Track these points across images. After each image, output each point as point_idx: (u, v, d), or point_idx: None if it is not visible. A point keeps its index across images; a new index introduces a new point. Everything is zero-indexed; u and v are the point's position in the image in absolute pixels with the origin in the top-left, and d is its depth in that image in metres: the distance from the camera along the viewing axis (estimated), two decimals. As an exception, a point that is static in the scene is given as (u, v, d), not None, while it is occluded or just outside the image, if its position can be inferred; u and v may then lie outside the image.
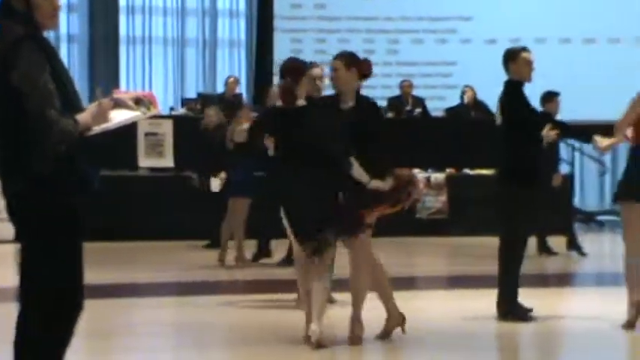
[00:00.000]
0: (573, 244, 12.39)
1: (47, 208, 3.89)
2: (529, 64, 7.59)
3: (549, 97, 11.28)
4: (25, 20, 3.90)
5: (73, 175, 3.90)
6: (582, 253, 12.29)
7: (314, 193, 6.43)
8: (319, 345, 6.48)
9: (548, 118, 8.67)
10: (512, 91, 7.57)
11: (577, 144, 15.12)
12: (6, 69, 3.80)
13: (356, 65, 6.78)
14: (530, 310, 7.56)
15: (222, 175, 11.33)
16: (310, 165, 6.45)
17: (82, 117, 3.89)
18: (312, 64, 7.52)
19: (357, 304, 6.78)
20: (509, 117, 7.52)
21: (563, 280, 10.77)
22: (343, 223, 6.55)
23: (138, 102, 4.19)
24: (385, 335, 6.92)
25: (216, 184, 11.77)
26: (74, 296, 3.97)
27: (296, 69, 6.79)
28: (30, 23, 3.92)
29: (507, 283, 7.48)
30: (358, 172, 6.52)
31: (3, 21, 3.90)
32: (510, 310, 7.45)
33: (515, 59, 7.60)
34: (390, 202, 6.76)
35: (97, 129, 3.96)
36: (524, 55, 7.62)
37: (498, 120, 7.64)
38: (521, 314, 7.46)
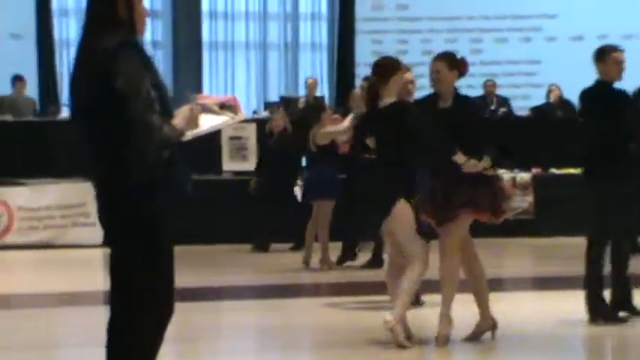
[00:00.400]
0: None
1: (145, 213, 3.90)
2: (618, 63, 7.41)
3: None
4: (127, 28, 3.94)
5: (170, 180, 3.92)
6: None
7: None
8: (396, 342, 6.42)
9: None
10: (600, 91, 7.41)
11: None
12: (108, 76, 3.82)
13: (457, 66, 6.81)
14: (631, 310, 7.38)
15: (299, 181, 11.37)
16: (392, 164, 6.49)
17: (176, 123, 3.91)
18: (406, 67, 7.53)
19: (445, 300, 6.71)
20: (593, 118, 7.35)
21: None
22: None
23: (222, 107, 4.21)
24: (474, 337, 6.84)
25: (298, 192, 11.89)
26: (167, 301, 3.98)
27: (386, 67, 6.77)
28: (132, 31, 3.95)
29: (588, 285, 7.32)
30: (459, 156, 6.47)
31: (103, 29, 3.92)
32: (597, 312, 7.27)
33: (603, 59, 7.41)
34: (486, 206, 6.65)
35: (190, 134, 3.98)
36: (614, 54, 7.44)
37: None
38: (608, 315, 7.29)
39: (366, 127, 6.88)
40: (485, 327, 6.88)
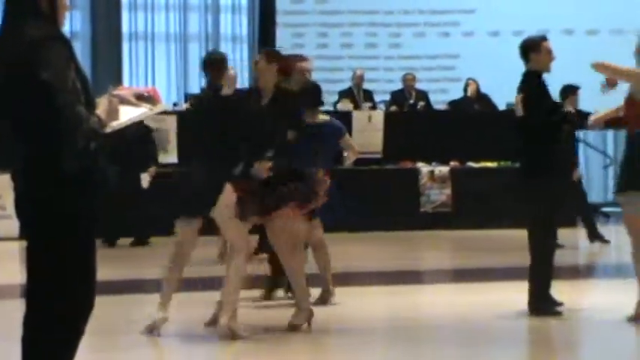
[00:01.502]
0: (594, 234, 12.37)
1: (70, 206, 3.88)
2: (549, 53, 7.52)
3: (570, 90, 11.24)
4: (49, 20, 3.92)
5: (96, 173, 3.91)
6: (605, 241, 12.28)
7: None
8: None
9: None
10: (534, 81, 7.48)
11: (581, 135, 15.13)
12: (32, 67, 3.80)
13: (277, 61, 6.90)
14: (560, 304, 7.51)
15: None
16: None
17: (98, 114, 3.90)
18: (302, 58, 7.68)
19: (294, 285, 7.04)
20: (533, 109, 7.41)
21: (571, 272, 10.75)
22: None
23: (140, 98, 4.20)
24: (292, 328, 6.93)
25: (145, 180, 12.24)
26: (87, 295, 3.97)
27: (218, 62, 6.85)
28: (54, 23, 3.93)
29: (539, 276, 7.39)
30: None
31: (23, 21, 3.90)
32: (540, 304, 7.38)
33: (537, 49, 7.50)
34: (298, 200, 6.80)
35: (112, 125, 3.98)
36: (544, 44, 7.55)
37: (518, 112, 7.53)
38: (549, 309, 7.40)
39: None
40: (305, 317, 7.00)
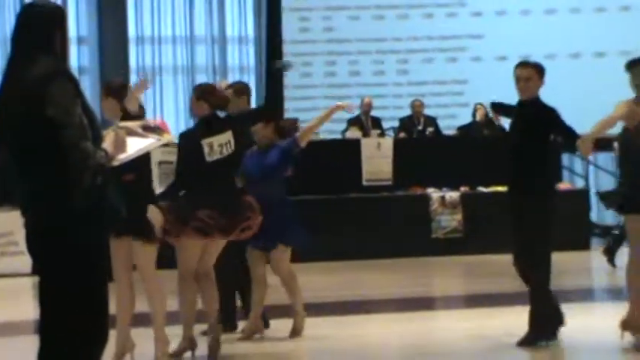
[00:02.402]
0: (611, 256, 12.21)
1: (79, 239, 3.89)
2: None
3: None
4: (60, 57, 3.95)
5: (104, 207, 3.92)
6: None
7: None
8: None
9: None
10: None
11: (591, 158, 15.11)
12: (39, 104, 3.82)
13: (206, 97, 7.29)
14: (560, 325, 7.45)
15: None
16: None
17: (105, 148, 3.92)
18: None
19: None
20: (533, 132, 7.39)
21: (582, 295, 10.71)
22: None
23: (147, 129, 4.21)
24: (175, 355, 6.93)
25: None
26: (100, 328, 3.97)
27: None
28: (64, 60, 3.97)
29: (541, 300, 7.29)
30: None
31: (35, 56, 3.92)
32: (544, 328, 7.27)
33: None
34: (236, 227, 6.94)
35: (120, 159, 3.99)
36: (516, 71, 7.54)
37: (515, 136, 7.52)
38: (549, 333, 7.31)
39: None
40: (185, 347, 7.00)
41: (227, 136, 7.08)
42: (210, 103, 7.21)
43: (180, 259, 7.07)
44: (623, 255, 12.78)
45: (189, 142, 7.15)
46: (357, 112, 15.90)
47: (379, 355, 7.27)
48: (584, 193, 15.04)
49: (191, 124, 18.61)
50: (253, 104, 18.51)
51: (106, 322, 4.00)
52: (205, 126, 7.14)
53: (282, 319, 7.89)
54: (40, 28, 3.95)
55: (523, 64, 7.59)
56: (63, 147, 3.78)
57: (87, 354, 3.94)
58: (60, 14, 4.01)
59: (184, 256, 7.03)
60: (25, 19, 3.99)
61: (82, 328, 3.91)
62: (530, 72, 7.45)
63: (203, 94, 7.26)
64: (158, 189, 14.42)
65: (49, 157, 3.83)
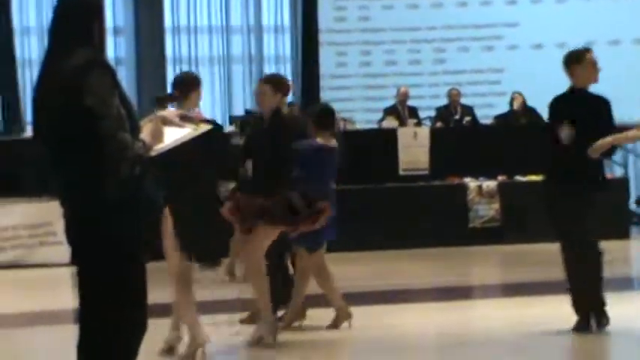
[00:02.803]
0: None
1: (118, 230, 3.90)
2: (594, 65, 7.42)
3: None
4: (98, 48, 3.96)
5: (142, 197, 3.92)
6: None
7: None
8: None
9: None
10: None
11: (631, 146, 14.98)
12: (77, 94, 3.82)
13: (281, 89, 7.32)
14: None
15: None
16: None
17: (143, 138, 3.92)
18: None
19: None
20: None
21: (621, 283, 10.62)
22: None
23: (184, 118, 4.22)
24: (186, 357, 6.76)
25: None
26: (139, 318, 3.98)
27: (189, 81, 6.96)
28: (102, 51, 3.98)
29: (595, 288, 7.28)
30: None
31: (74, 46, 3.93)
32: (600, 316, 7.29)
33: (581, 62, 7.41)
34: (280, 217, 6.93)
35: (157, 149, 3.99)
36: (588, 56, 7.46)
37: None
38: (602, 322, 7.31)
39: None
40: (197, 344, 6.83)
41: None
42: (284, 95, 7.31)
43: (253, 247, 6.97)
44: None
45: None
46: (393, 102, 15.88)
47: (418, 344, 7.25)
48: (623, 182, 14.91)
49: (226, 117, 18.59)
50: (290, 94, 18.56)
51: (144, 312, 4.00)
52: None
53: (320, 309, 7.89)
54: (78, 19, 3.96)
55: None
56: (100, 137, 3.79)
57: (123, 344, 3.95)
58: (97, 5, 4.02)
59: (260, 245, 6.96)
60: (63, 10, 4.00)
61: (116, 318, 3.92)
62: None
63: (281, 86, 7.29)
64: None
65: (86, 147, 3.84)
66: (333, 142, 7.68)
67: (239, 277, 10.37)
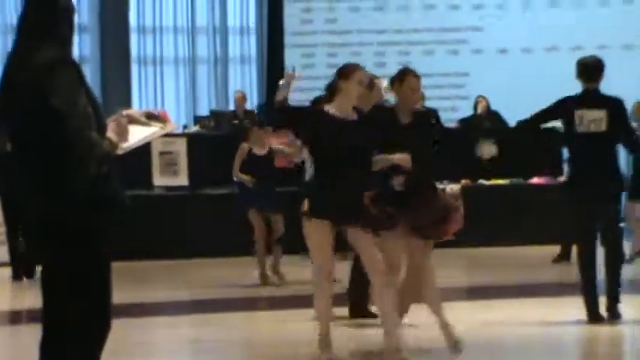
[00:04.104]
0: None
1: (84, 228, 3.88)
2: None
3: None
4: (65, 44, 3.92)
5: (108, 195, 3.90)
6: None
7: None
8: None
9: None
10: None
11: None
12: (42, 92, 3.79)
13: None
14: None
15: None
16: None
17: (109, 137, 3.90)
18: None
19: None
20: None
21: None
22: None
23: (150, 117, 4.18)
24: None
25: None
26: (104, 317, 3.96)
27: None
28: (69, 47, 3.93)
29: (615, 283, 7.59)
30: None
31: (39, 43, 3.89)
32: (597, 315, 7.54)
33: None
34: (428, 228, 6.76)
35: (124, 147, 3.97)
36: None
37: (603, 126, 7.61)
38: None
39: None
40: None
41: None
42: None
43: (389, 249, 6.57)
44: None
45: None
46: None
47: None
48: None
49: (191, 117, 18.47)
50: (254, 95, 18.45)
51: (109, 308, 3.98)
52: None
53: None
54: (46, 14, 3.92)
55: None
56: (67, 136, 3.76)
57: (87, 343, 3.92)
58: (66, 1, 3.98)
59: (394, 247, 6.67)
60: (31, 5, 3.97)
61: (81, 316, 3.89)
62: None
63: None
64: (159, 179, 14.44)
65: (52, 146, 3.81)
66: None
67: None
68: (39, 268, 3.94)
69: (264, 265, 10.96)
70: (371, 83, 7.59)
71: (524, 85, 16.52)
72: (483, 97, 15.93)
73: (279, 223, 10.93)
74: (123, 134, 3.97)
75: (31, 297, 10.03)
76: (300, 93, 17.28)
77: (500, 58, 17.44)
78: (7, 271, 11.71)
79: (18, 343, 7.80)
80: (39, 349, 3.95)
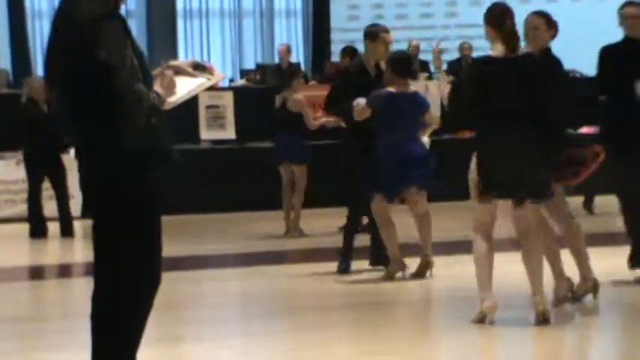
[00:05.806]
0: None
1: (134, 182, 3.89)
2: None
3: None
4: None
5: (157, 148, 3.91)
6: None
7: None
8: (545, 318, 6.03)
9: None
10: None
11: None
12: (90, 46, 3.79)
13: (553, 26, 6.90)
14: None
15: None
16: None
17: (157, 90, 3.90)
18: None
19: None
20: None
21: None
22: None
23: (196, 67, 4.15)
24: (574, 299, 6.69)
25: None
26: (154, 270, 3.98)
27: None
28: (114, 1, 3.93)
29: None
30: None
31: None
32: None
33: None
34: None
35: (172, 100, 3.96)
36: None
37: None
38: None
39: None
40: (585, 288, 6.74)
41: None
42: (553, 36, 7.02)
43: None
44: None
45: None
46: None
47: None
48: None
49: (237, 71, 18.49)
50: (300, 48, 18.37)
51: (159, 264, 4.01)
52: None
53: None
54: None
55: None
56: (116, 89, 3.77)
57: (137, 296, 3.95)
58: None
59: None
60: None
61: (132, 270, 3.92)
62: None
63: (553, 24, 6.95)
64: (206, 133, 14.46)
65: (102, 99, 3.82)
66: (410, 89, 7.85)
67: None
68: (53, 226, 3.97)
69: (289, 217, 11.09)
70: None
71: (571, 30, 16.37)
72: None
73: (301, 176, 11.05)
74: (170, 88, 3.97)
75: (82, 251, 10.14)
76: (344, 45, 17.29)
77: (544, 7, 17.20)
78: (56, 226, 11.79)
79: (70, 296, 7.90)
80: (91, 302, 4.00)
